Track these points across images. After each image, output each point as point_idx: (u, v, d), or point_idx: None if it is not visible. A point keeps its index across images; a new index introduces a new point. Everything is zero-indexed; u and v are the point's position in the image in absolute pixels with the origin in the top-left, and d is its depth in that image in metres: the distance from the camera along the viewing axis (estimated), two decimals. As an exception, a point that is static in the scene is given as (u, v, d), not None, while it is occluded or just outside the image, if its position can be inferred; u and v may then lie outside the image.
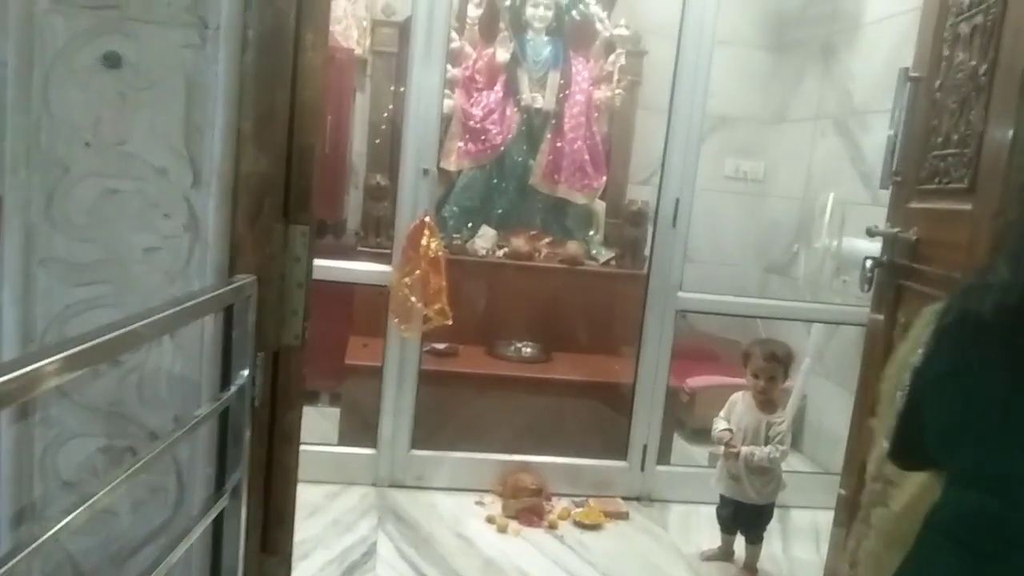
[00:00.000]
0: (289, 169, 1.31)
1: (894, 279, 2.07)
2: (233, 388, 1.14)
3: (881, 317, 2.14)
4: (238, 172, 1.16)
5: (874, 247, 2.19)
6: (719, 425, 2.61)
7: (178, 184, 1.14)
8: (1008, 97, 1.55)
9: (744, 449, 2.51)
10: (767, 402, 2.57)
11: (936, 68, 1.95)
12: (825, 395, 3.53)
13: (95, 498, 0.89)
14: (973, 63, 1.75)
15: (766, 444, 2.53)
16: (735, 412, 2.61)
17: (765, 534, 2.65)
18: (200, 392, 1.18)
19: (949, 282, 1.73)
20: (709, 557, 2.69)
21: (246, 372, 1.17)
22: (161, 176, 1.13)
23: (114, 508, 1.17)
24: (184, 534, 1.09)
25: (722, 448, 2.56)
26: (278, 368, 1.38)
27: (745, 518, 2.62)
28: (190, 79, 1.12)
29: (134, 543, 1.19)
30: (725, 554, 2.70)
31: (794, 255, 3.69)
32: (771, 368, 2.52)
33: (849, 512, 2.19)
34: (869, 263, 2.13)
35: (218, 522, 1.23)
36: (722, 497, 2.62)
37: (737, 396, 2.64)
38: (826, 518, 2.39)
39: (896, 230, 2.03)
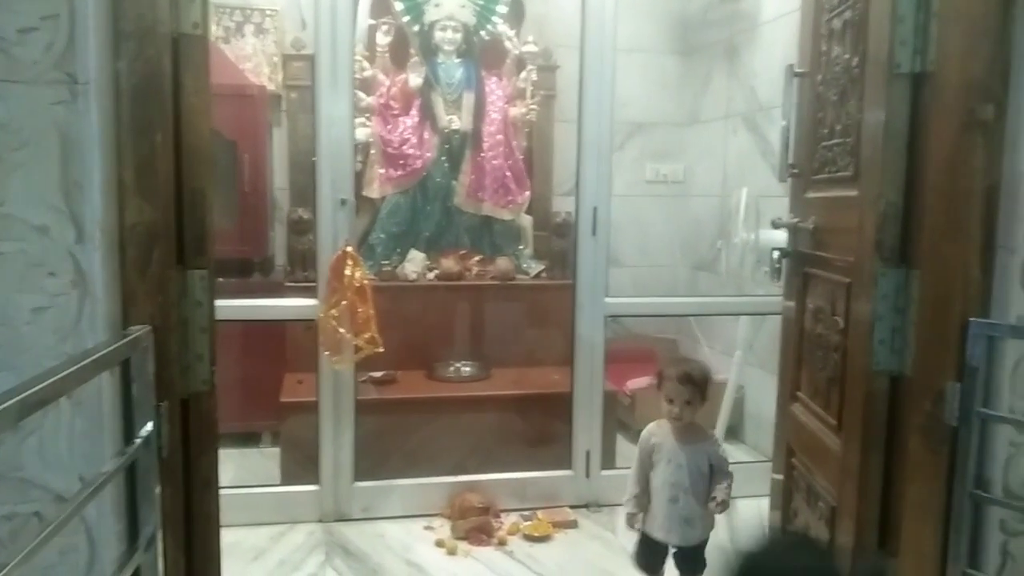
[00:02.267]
0: (181, 215, 1.31)
1: (800, 267, 2.15)
2: (137, 442, 1.13)
3: (793, 304, 2.21)
4: (123, 223, 1.16)
5: (783, 238, 2.26)
6: (627, 507, 2.26)
7: (61, 241, 1.13)
8: (878, 86, 1.63)
9: (714, 504, 2.15)
10: (690, 428, 2.20)
11: (817, 63, 2.04)
12: (760, 384, 3.61)
13: (6, 569, 0.87)
14: (847, 56, 1.83)
15: (708, 478, 2.18)
16: (660, 451, 2.22)
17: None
18: (104, 448, 1.17)
19: (845, 266, 1.80)
20: None
21: (150, 424, 1.16)
22: (42, 235, 1.12)
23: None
24: (95, 594, 1.07)
25: (666, 494, 2.18)
26: (188, 415, 1.37)
27: (684, 558, 2.25)
28: (64, 135, 1.12)
29: (48, 609, 1.17)
30: None
31: (718, 251, 3.77)
32: (686, 392, 2.15)
33: (784, 495, 2.26)
34: (776, 254, 2.21)
35: (136, 578, 1.21)
36: (655, 543, 2.22)
37: (652, 428, 2.27)
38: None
39: (796, 220, 2.11)
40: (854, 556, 1.70)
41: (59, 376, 0.95)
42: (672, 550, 2.25)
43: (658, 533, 2.21)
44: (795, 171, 2.16)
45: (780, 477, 2.29)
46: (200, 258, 1.34)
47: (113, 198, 1.15)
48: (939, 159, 1.49)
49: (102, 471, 1.12)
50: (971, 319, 1.45)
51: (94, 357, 1.05)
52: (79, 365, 1.00)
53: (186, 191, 1.31)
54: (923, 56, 1.53)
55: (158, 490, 1.20)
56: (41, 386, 0.91)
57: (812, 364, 2.05)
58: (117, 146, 1.15)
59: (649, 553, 2.27)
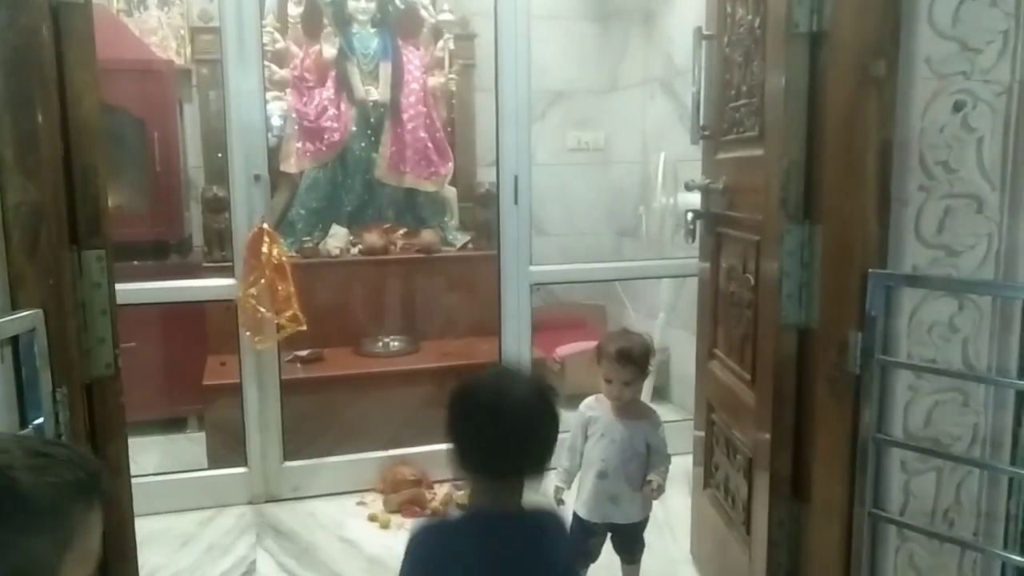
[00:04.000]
0: (72, 194, 1.25)
1: (713, 227, 2.19)
2: (28, 429, 1.08)
3: (708, 264, 2.26)
4: (4, 203, 1.10)
5: (698, 200, 2.30)
6: (555, 479, 2.11)
7: (-63, 224, 1.07)
8: (778, 46, 1.66)
9: (648, 488, 2.04)
10: (630, 405, 2.08)
11: (724, 25, 2.07)
12: (684, 345, 3.68)
13: None
14: (750, 18, 1.87)
15: (645, 458, 2.06)
16: (595, 424, 2.09)
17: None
18: (-2, 439, 1.12)
19: (755, 225, 1.85)
20: None
21: (43, 411, 1.12)
22: (-84, 218, 1.06)
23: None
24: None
25: (595, 468, 2.06)
26: (93, 400, 1.33)
27: (621, 540, 2.16)
28: (-67, 111, 1.06)
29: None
30: None
31: (640, 217, 3.82)
32: (626, 372, 2.01)
33: (706, 451, 2.32)
34: (690, 216, 2.25)
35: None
36: (589, 525, 2.08)
37: (590, 401, 2.13)
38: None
39: (708, 182, 2.15)
40: (770, 507, 1.77)
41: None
42: (609, 534, 2.14)
43: (582, 510, 2.09)
44: (706, 133, 2.20)
45: (701, 434, 2.36)
46: (96, 238, 1.28)
47: (-8, 177, 1.09)
48: (836, 116, 1.53)
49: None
50: (870, 270, 1.50)
51: None
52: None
53: (76, 169, 1.25)
54: (819, 15, 1.57)
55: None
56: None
57: (727, 322, 2.10)
58: (-7, 122, 1.09)
59: (581, 535, 2.09)
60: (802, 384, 1.70)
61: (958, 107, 1.48)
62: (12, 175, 1.11)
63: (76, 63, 1.24)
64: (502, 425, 1.23)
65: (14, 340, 1.10)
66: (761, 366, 1.82)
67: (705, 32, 2.16)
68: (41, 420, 1.11)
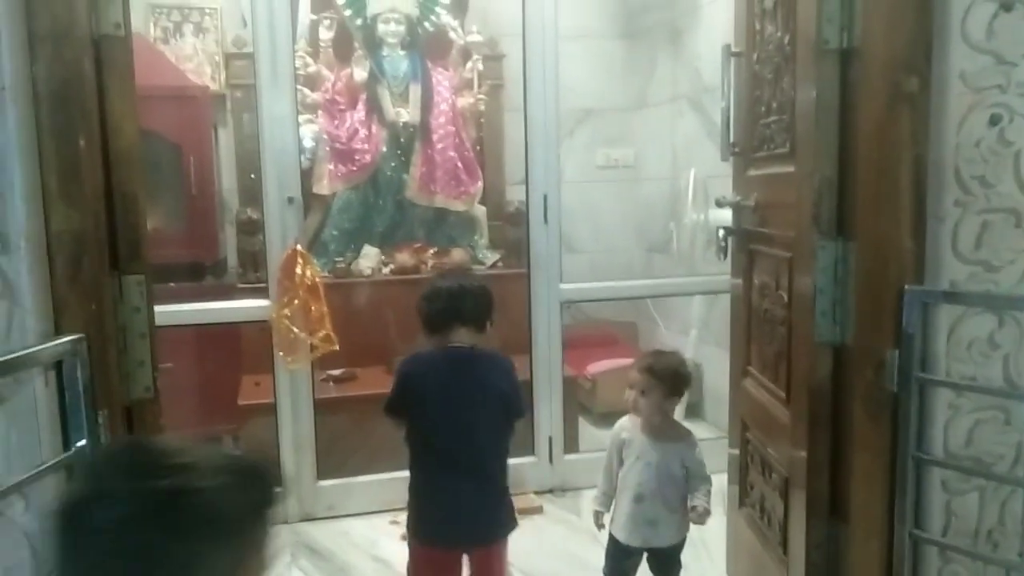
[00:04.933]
0: (112, 220, 1.28)
1: (745, 244, 2.18)
2: (71, 451, 1.11)
3: (740, 281, 2.24)
4: (49, 231, 1.14)
5: (730, 216, 2.29)
6: (594, 504, 2.18)
7: (-16, 252, 1.10)
8: (808, 63, 1.65)
9: (695, 513, 2.01)
10: (663, 426, 2.06)
11: (752, 42, 2.07)
12: (717, 362, 3.65)
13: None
14: (779, 34, 1.86)
15: (682, 480, 2.03)
16: (629, 447, 2.08)
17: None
18: (42, 461, 1.14)
19: (787, 241, 1.84)
20: None
21: (85, 433, 1.14)
22: (-36, 246, 1.10)
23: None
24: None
25: (631, 492, 2.05)
26: (133, 422, 1.35)
27: (658, 563, 2.13)
28: (-19, 143, 1.09)
29: (-7, 627, 1.15)
30: None
31: (670, 233, 3.81)
32: (642, 381, 2.03)
33: (741, 469, 2.30)
34: (722, 232, 2.24)
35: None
36: (625, 547, 2.08)
37: (623, 422, 2.14)
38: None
39: (739, 198, 2.14)
40: (808, 528, 1.74)
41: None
42: (645, 554, 2.13)
43: (620, 533, 2.08)
44: (736, 150, 2.19)
45: (736, 451, 2.33)
46: (135, 263, 1.31)
47: (37, 206, 1.12)
48: (868, 132, 1.52)
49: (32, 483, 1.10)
50: (906, 287, 1.48)
51: (14, 356, 1.03)
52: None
53: (117, 196, 1.29)
54: (849, 32, 1.56)
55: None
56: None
57: (761, 339, 2.08)
58: (39, 152, 1.12)
59: (617, 557, 2.12)
60: (838, 402, 1.67)
61: (994, 121, 1.46)
62: (56, 203, 1.14)
63: (117, 94, 1.27)
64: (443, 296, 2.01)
65: (58, 364, 1.13)
66: (796, 384, 1.80)
67: (734, 49, 2.16)
68: (84, 442, 1.13)
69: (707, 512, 2.00)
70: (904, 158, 1.47)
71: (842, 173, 1.62)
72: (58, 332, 1.15)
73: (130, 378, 1.33)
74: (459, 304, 2.01)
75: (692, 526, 2.10)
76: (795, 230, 1.76)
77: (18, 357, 1.06)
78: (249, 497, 0.80)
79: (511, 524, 2.05)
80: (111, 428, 1.24)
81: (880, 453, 1.56)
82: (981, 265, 1.50)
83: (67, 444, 1.14)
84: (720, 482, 2.74)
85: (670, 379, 2.03)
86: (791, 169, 1.78)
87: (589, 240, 4.35)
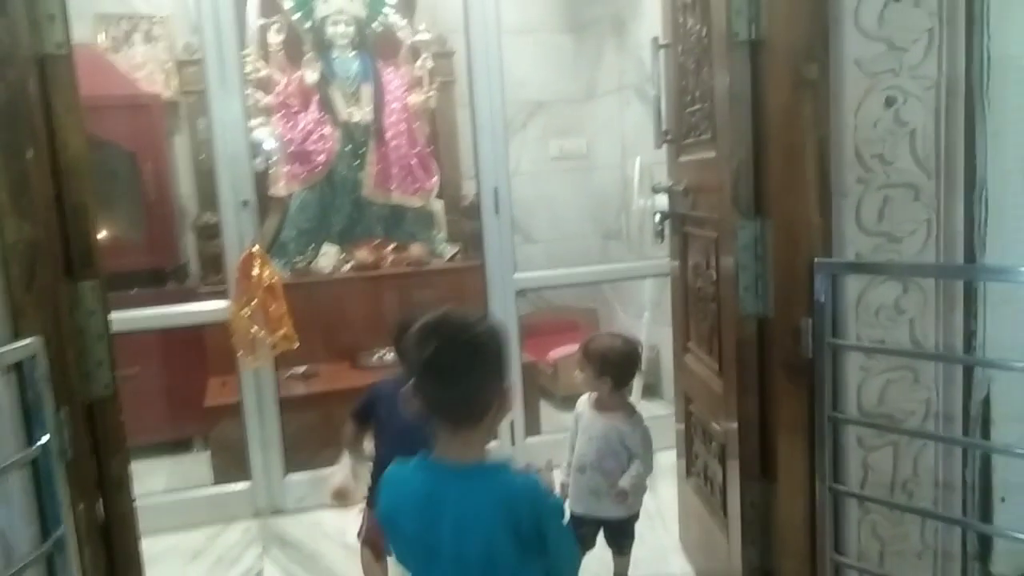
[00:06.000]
0: (64, 230, 1.36)
1: (680, 227, 2.29)
2: (35, 446, 1.18)
3: (677, 263, 2.36)
4: (3, 242, 1.21)
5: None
6: (559, 474, 2.20)
7: (-58, 264, 1.17)
8: (722, 54, 1.76)
9: (614, 491, 2.10)
10: (609, 402, 2.16)
11: (677, 35, 2.18)
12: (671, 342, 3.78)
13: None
14: (698, 27, 1.97)
15: (624, 456, 2.12)
16: (580, 421, 2.22)
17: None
18: (8, 459, 1.22)
19: (714, 223, 1.95)
20: None
21: (48, 429, 1.22)
22: (-78, 260, 1.17)
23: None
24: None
25: (576, 463, 2.19)
26: (95, 420, 1.43)
27: (610, 534, 2.24)
28: (-67, 162, 1.16)
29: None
30: None
31: (622, 220, 3.92)
32: (580, 361, 2.17)
33: (687, 442, 2.41)
34: (658, 216, 2.35)
35: (53, 578, 1.27)
36: (579, 518, 2.17)
37: (583, 398, 2.26)
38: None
39: (672, 184, 2.25)
40: (741, 488, 1.86)
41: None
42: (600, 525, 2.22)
43: (570, 502, 2.17)
44: (668, 138, 2.30)
45: (681, 425, 2.45)
46: (88, 269, 1.39)
47: (-9, 219, 1.19)
48: (777, 117, 1.64)
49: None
50: (815, 260, 1.60)
51: None
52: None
53: (68, 207, 1.36)
54: (757, 24, 1.67)
55: (62, 490, 1.26)
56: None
57: (697, 316, 2.20)
58: (-12, 169, 1.19)
59: (574, 527, 2.08)
60: (764, 371, 1.79)
61: (889, 103, 1.58)
62: (8, 216, 1.21)
63: (62, 109, 1.34)
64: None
65: (18, 366, 1.20)
66: (726, 356, 1.91)
67: (661, 41, 2.27)
68: (48, 438, 1.21)
69: (624, 493, 2.07)
70: (809, 140, 1.59)
71: (757, 156, 1.73)
72: (17, 336, 1.22)
73: (90, 377, 1.41)
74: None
75: (647, 498, 2.22)
76: (719, 211, 1.87)
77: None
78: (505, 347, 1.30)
79: None
80: (73, 424, 1.31)
81: (800, 415, 1.68)
82: (884, 236, 1.62)
83: (31, 440, 1.22)
84: (673, 457, 2.88)
85: (597, 361, 2.12)
86: (714, 154, 1.89)
87: (546, 229, 4.46)
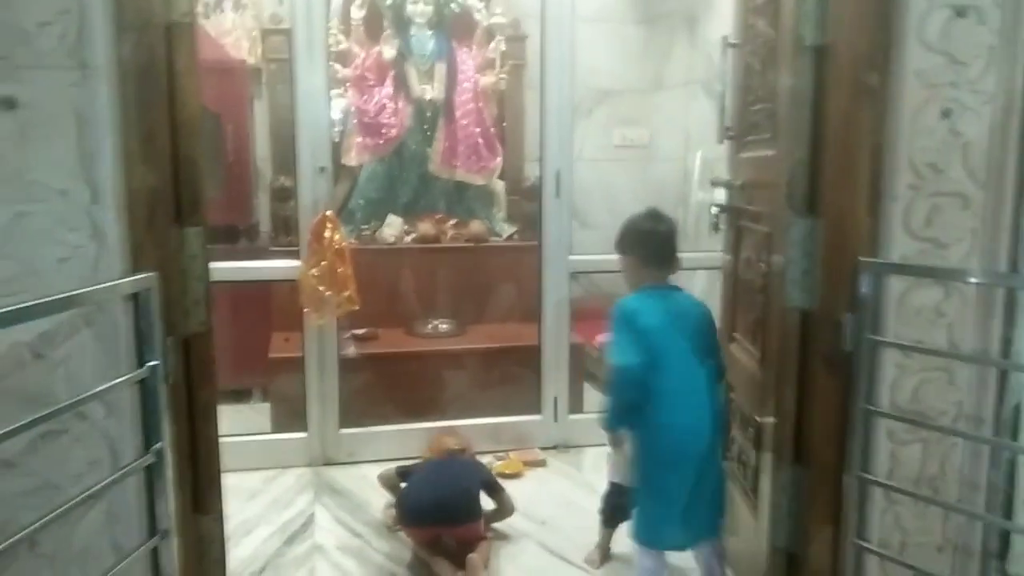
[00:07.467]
0: (177, 180, 1.52)
1: (735, 221, 2.38)
2: (146, 366, 1.35)
3: (730, 256, 2.45)
4: (130, 187, 1.37)
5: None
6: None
7: (79, 202, 1.34)
8: (789, 57, 1.84)
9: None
10: None
11: (747, 36, 2.26)
12: (718, 335, 3.86)
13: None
14: (768, 30, 2.05)
15: None
16: None
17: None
18: (121, 375, 1.39)
19: (768, 218, 2.04)
20: (593, 559, 2.54)
21: (157, 354, 1.39)
22: (63, 197, 1.33)
23: (55, 482, 1.37)
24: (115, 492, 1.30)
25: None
26: (190, 353, 1.60)
27: None
28: (78, 113, 1.33)
29: (81, 509, 1.40)
30: (606, 551, 2.55)
31: (680, 211, 4.00)
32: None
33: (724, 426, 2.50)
34: (714, 210, 2.44)
35: (150, 486, 1.44)
36: (618, 487, 2.40)
37: None
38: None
39: (731, 179, 2.34)
40: (774, 472, 1.96)
41: (66, 295, 1.19)
42: None
43: (610, 472, 2.47)
44: (731, 134, 2.39)
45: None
46: (194, 216, 1.55)
47: (121, 165, 1.35)
48: (835, 121, 1.72)
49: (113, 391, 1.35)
50: (861, 258, 1.68)
51: (100, 287, 1.28)
52: (81, 291, 1.24)
53: (181, 159, 1.52)
54: (823, 31, 1.75)
55: (164, 410, 1.42)
56: (47, 299, 1.15)
57: (744, 308, 2.29)
58: (123, 121, 1.35)
59: (615, 495, 2.44)
60: (804, 361, 1.88)
61: (946, 114, 1.66)
62: (137, 164, 1.37)
63: (183, 71, 1.50)
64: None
65: (135, 297, 1.37)
66: (769, 346, 2.01)
67: (731, 41, 2.35)
68: (157, 362, 1.38)
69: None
70: (864, 145, 1.67)
71: (813, 157, 1.81)
72: (135, 271, 1.38)
73: (188, 314, 1.57)
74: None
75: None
76: (774, 208, 1.96)
77: (104, 288, 1.30)
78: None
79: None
80: (174, 353, 1.48)
81: (836, 405, 1.77)
82: (931, 242, 1.70)
83: (140, 362, 1.39)
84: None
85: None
86: (773, 153, 1.98)
87: (603, 215, 4.52)
